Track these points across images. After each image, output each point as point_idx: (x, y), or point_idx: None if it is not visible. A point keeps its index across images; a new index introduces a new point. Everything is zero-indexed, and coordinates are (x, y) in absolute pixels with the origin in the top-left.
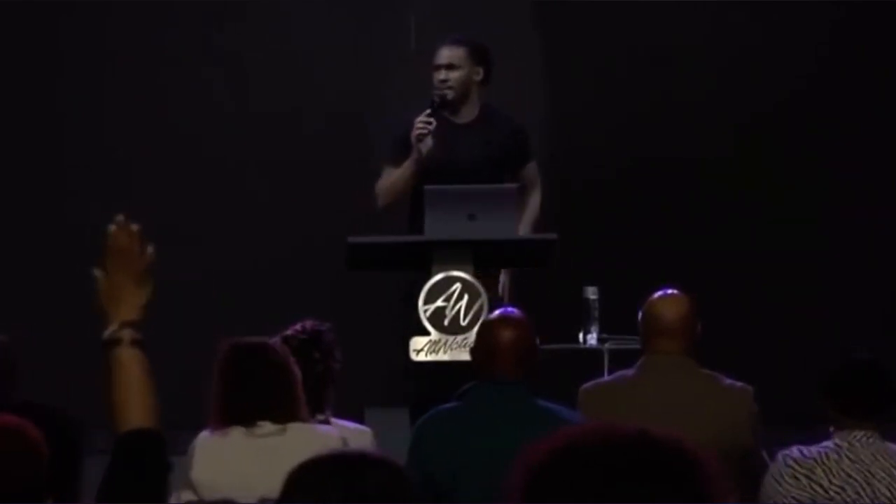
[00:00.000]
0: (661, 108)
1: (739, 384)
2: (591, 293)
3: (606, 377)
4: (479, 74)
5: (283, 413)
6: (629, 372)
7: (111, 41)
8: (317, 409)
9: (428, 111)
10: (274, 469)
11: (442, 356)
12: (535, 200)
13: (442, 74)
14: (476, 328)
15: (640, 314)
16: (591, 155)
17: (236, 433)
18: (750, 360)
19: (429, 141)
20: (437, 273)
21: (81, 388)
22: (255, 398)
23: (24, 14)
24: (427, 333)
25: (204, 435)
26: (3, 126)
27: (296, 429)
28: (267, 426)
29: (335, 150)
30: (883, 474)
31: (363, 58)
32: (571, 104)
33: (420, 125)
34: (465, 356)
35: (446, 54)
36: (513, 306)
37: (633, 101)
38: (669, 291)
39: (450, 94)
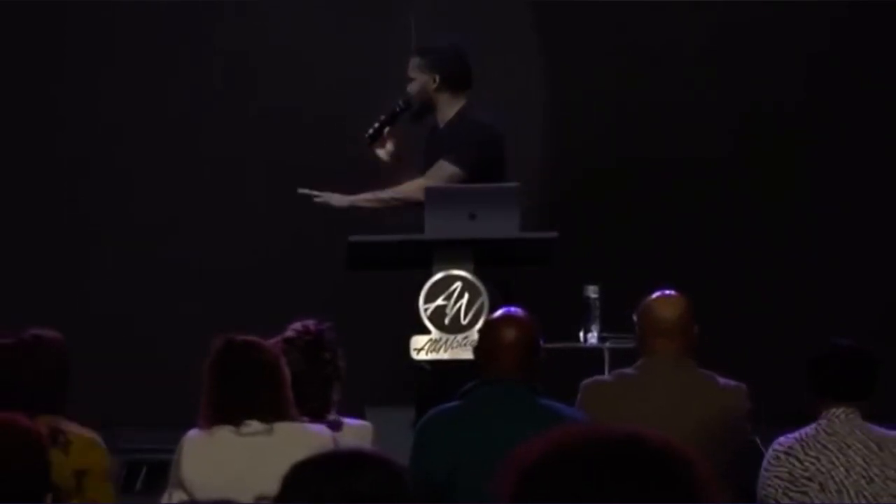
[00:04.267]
0: (661, 107)
1: (734, 383)
2: (592, 292)
3: (607, 375)
4: (434, 81)
5: (271, 412)
6: (629, 371)
7: (111, 40)
8: (324, 409)
9: (382, 117)
10: (263, 468)
11: (442, 355)
12: (416, 182)
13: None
14: (476, 327)
15: (635, 315)
16: (591, 153)
17: (224, 432)
18: (749, 357)
19: (389, 145)
20: (437, 272)
21: (81, 384)
22: (243, 396)
23: (26, 12)
24: (428, 332)
25: (192, 433)
26: (6, 125)
27: (284, 428)
28: (254, 425)
29: (335, 150)
30: (859, 445)
31: (363, 57)
32: (571, 103)
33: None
34: (465, 355)
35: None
36: (516, 305)
37: (633, 100)
38: (667, 292)
39: (415, 102)
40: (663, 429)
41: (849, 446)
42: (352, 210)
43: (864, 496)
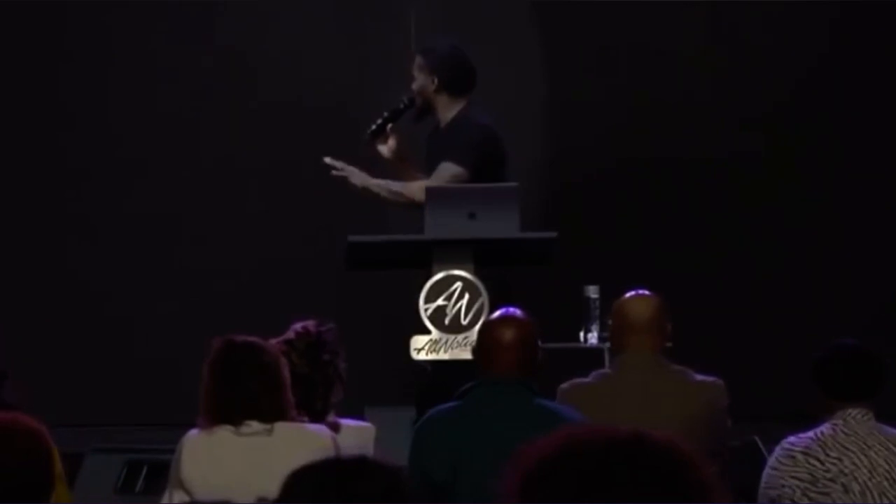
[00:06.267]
0: (661, 107)
1: (711, 378)
2: (592, 292)
3: (584, 378)
4: (433, 83)
5: (271, 412)
6: (606, 371)
7: (112, 38)
8: (324, 410)
9: (385, 114)
10: (262, 468)
11: (442, 355)
12: (420, 184)
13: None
14: (476, 327)
15: (610, 316)
16: (591, 153)
17: (223, 432)
18: (749, 356)
19: (392, 142)
20: (437, 272)
21: (81, 384)
22: (244, 397)
23: (26, 12)
24: (428, 332)
25: (192, 433)
26: (7, 123)
27: (283, 428)
28: (254, 425)
29: (336, 150)
30: (879, 447)
31: (363, 57)
32: (571, 103)
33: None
34: (465, 355)
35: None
36: (516, 305)
37: (633, 99)
38: (640, 291)
39: (417, 100)
40: (640, 426)
41: (870, 447)
42: (353, 203)
43: (888, 497)
